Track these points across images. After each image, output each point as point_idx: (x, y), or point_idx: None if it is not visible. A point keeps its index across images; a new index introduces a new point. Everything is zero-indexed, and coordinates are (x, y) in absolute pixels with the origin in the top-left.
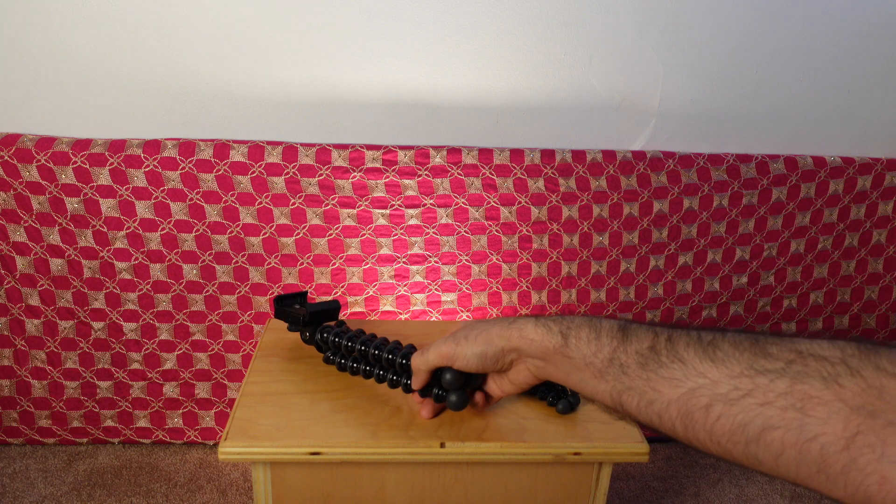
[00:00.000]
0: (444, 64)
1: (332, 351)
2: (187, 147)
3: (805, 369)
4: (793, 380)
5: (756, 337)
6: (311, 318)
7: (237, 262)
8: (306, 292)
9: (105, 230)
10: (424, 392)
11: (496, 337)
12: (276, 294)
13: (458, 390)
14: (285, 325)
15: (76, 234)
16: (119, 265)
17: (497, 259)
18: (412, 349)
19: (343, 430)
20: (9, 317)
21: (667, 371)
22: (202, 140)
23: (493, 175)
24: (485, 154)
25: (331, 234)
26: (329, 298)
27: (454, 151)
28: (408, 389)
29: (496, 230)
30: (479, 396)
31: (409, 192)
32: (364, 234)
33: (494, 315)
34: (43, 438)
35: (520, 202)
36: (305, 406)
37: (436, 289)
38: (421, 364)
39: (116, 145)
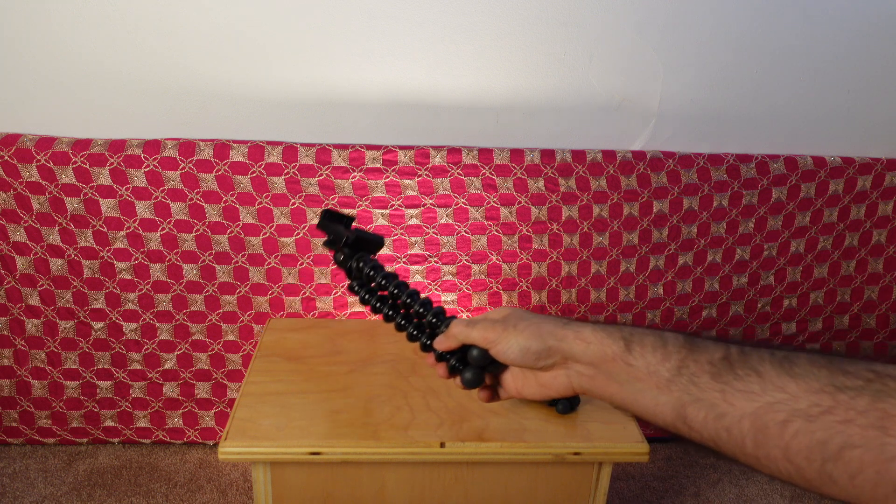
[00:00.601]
0: (444, 64)
1: (361, 282)
2: (187, 147)
3: (884, 388)
4: (873, 398)
5: (829, 356)
6: (354, 241)
7: (237, 262)
8: (354, 218)
9: (105, 230)
10: (441, 357)
11: (547, 334)
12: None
13: (476, 368)
14: (286, 325)
15: (76, 234)
16: (119, 265)
17: (497, 259)
18: (442, 311)
19: (343, 430)
20: (9, 317)
21: (742, 384)
22: (202, 140)
23: (493, 175)
24: (485, 154)
25: None
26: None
27: (454, 151)
28: (425, 348)
29: (496, 230)
30: (487, 387)
31: (409, 192)
32: None
33: None
34: (43, 438)
35: (520, 202)
36: (305, 406)
37: (436, 289)
38: (461, 335)
39: (116, 145)
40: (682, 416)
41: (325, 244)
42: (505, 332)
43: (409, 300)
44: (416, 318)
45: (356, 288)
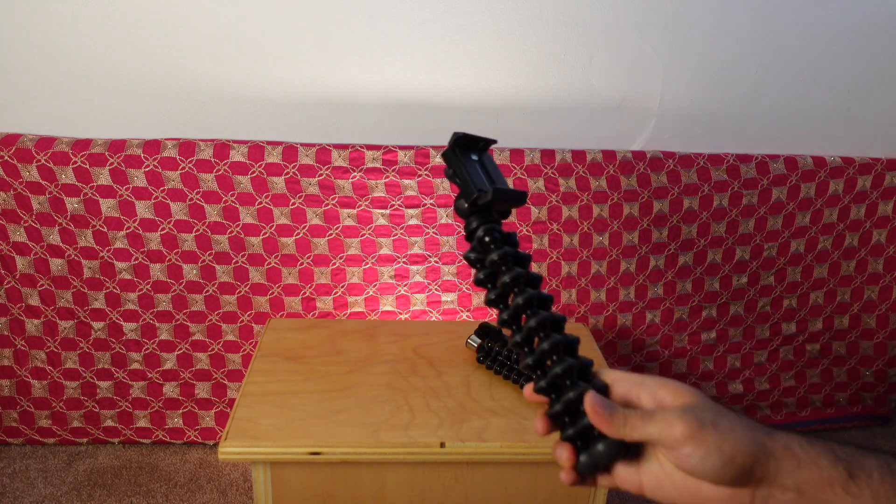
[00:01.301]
0: (444, 64)
1: (480, 259)
2: (187, 147)
3: None
4: None
5: None
6: (492, 199)
7: (237, 262)
8: (494, 142)
9: (105, 230)
10: (556, 415)
11: (757, 444)
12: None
13: (596, 465)
14: (286, 325)
15: (76, 234)
16: (119, 265)
17: None
18: (574, 365)
19: (343, 430)
20: (9, 317)
21: None
22: (202, 140)
23: None
24: None
25: (331, 234)
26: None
27: None
28: (541, 391)
29: None
30: (619, 475)
31: (409, 192)
32: (364, 234)
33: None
34: (43, 438)
35: None
36: (305, 406)
37: (436, 289)
38: (634, 432)
39: (116, 145)
40: None
41: (447, 175)
42: (702, 433)
43: (534, 324)
44: (539, 354)
45: (472, 260)
